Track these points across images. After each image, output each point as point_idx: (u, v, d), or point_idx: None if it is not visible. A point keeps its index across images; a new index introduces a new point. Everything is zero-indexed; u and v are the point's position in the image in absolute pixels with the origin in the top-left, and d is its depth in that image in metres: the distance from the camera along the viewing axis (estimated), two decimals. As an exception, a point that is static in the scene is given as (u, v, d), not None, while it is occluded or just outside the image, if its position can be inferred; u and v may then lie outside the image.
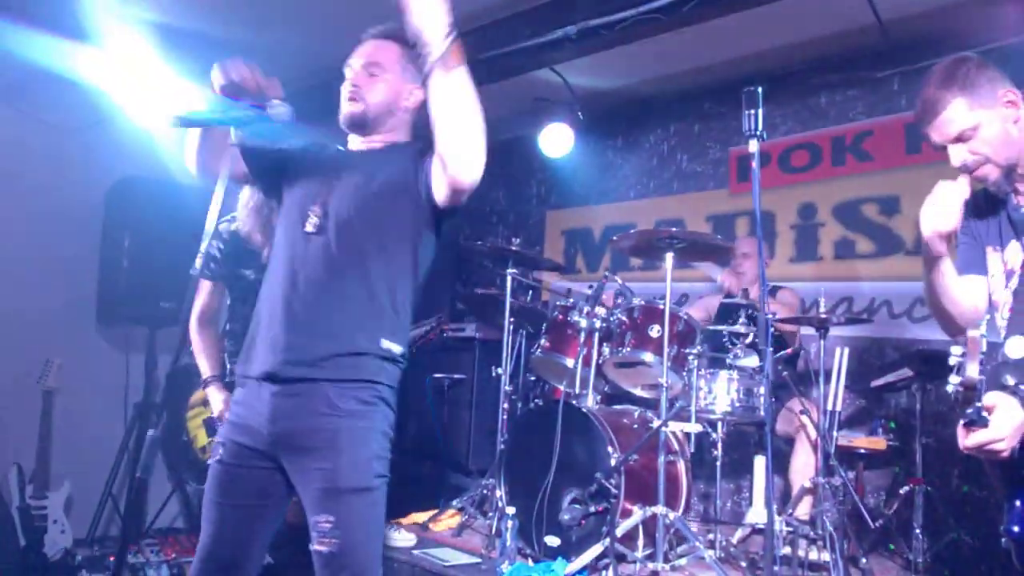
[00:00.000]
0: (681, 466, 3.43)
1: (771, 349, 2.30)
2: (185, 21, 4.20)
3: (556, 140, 5.20)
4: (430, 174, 1.92)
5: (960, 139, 1.90)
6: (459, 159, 1.80)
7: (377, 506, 1.88)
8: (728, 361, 3.49)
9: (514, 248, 3.94)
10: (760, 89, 2.22)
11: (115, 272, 4.39)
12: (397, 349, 1.95)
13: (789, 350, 3.84)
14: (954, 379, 1.66)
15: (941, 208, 1.85)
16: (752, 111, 2.23)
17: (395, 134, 2.12)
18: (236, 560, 1.94)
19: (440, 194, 1.92)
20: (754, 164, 2.28)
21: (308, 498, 1.86)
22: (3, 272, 4.33)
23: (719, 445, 3.51)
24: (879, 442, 3.82)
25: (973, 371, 1.63)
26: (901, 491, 3.62)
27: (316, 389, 1.85)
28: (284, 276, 1.96)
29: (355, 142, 2.14)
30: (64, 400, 4.21)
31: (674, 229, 3.30)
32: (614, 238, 3.52)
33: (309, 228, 1.97)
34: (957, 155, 1.91)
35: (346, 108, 2.06)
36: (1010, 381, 1.77)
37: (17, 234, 4.37)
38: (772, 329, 3.23)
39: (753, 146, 2.27)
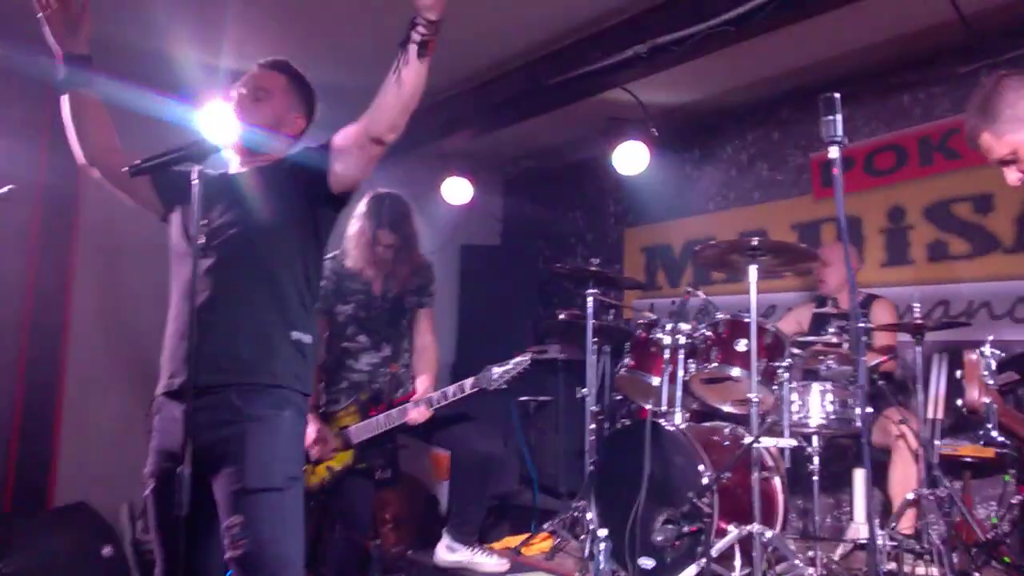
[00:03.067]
0: (777, 482, 3.36)
1: (865, 358, 2.24)
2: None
3: (631, 158, 5.19)
4: (331, 160, 2.04)
5: (1004, 163, 1.91)
6: (394, 124, 1.97)
7: (288, 508, 1.93)
8: (821, 372, 3.41)
9: (594, 268, 3.95)
10: (838, 95, 2.19)
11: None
12: (307, 339, 2.05)
13: (884, 358, 3.73)
14: (959, 402, 1.70)
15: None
16: (831, 117, 2.20)
17: (274, 157, 2.20)
18: (197, 573, 2.00)
19: (345, 169, 2.04)
20: (836, 171, 2.24)
21: (221, 506, 1.91)
22: (105, 315, 4.57)
23: (815, 459, 3.41)
24: (986, 450, 3.65)
25: (973, 394, 1.64)
26: (1013, 501, 3.45)
27: (222, 398, 1.91)
28: (184, 295, 2.02)
29: (234, 163, 2.23)
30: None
31: (755, 240, 3.22)
32: (696, 248, 3.44)
33: (201, 241, 1.99)
34: (1009, 176, 1.93)
35: (236, 128, 2.16)
36: None
37: (116, 275, 4.62)
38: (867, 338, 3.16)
39: (834, 152, 2.23)
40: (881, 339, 4.01)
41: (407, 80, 1.92)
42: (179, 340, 2.00)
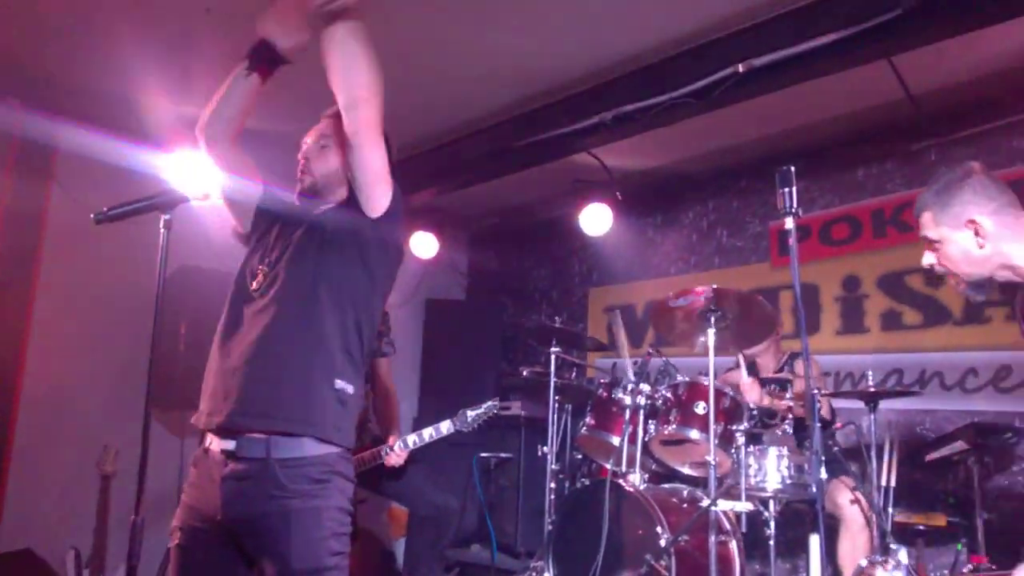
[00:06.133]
0: (733, 546, 3.37)
1: (819, 424, 2.29)
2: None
3: (596, 219, 5.30)
4: (358, 189, 2.03)
5: (928, 244, 1.99)
6: (348, 85, 1.90)
7: None
8: (765, 439, 3.45)
9: (557, 326, 3.99)
10: (792, 168, 2.28)
11: (172, 358, 4.52)
12: (350, 389, 1.97)
13: (839, 424, 3.79)
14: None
15: None
16: (786, 189, 2.28)
17: (331, 205, 2.18)
18: None
19: (364, 190, 2.02)
20: (791, 241, 2.31)
21: None
22: (62, 359, 4.51)
23: (772, 524, 3.43)
24: (938, 518, 3.71)
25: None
26: (965, 570, 3.50)
27: (265, 471, 1.84)
28: (228, 333, 2.00)
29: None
30: (121, 484, 4.28)
31: (715, 286, 3.30)
32: (673, 304, 3.44)
33: (254, 286, 2.02)
34: (926, 257, 2.02)
35: (299, 183, 2.16)
36: None
37: (74, 323, 4.56)
38: (819, 405, 3.21)
39: (789, 223, 2.30)
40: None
41: (329, 46, 1.89)
42: (219, 378, 1.95)
